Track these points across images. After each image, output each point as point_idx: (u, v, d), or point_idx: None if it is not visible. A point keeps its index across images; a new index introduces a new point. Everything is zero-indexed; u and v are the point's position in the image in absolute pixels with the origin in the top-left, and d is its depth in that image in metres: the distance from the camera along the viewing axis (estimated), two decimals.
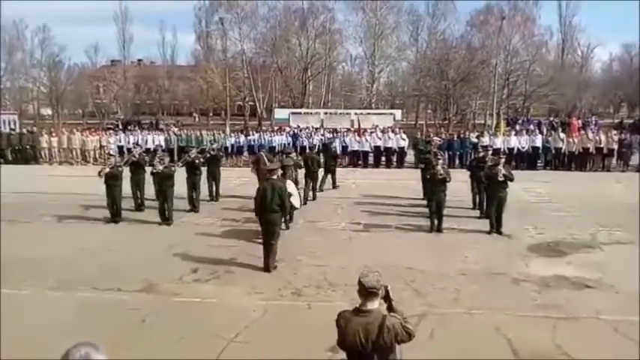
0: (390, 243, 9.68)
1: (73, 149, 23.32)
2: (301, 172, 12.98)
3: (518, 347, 5.49)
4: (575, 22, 48.41)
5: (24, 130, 25.91)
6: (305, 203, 13.15)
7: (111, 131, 26.04)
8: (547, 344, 5.57)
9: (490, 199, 10.53)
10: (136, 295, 7.09)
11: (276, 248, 8.26)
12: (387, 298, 3.37)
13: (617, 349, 5.49)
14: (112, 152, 15.43)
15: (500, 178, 10.02)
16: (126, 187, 11.98)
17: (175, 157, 18.60)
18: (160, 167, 11.10)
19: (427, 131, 24.31)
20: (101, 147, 23.07)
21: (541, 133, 22.64)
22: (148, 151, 17.49)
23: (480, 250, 9.15)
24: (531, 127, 25.71)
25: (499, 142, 20.33)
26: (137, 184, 12.44)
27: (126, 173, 12.03)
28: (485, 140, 19.82)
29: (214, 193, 13.84)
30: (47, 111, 51.31)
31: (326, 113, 29.14)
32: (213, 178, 13.84)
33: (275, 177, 8.50)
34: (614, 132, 21.71)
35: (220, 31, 41.77)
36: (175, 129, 26.27)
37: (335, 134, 22.26)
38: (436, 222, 10.44)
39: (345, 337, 3.32)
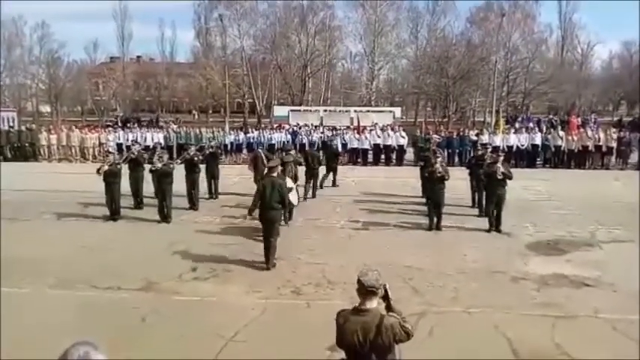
0: (389, 241, 9.68)
1: (72, 146, 23.27)
2: (301, 169, 12.99)
3: (517, 346, 5.50)
4: (575, 20, 48.58)
5: (23, 128, 25.80)
6: (305, 200, 13.22)
7: (110, 128, 25.96)
8: (546, 343, 5.58)
9: (489, 197, 10.52)
10: (136, 294, 7.09)
11: (276, 246, 8.27)
12: (385, 297, 3.36)
13: (616, 347, 5.50)
14: (110, 150, 15.35)
15: (499, 176, 10.02)
16: (125, 184, 11.97)
17: (174, 155, 18.58)
18: (159, 165, 11.08)
19: (427, 129, 24.22)
20: (100, 144, 23.03)
21: (540, 130, 22.58)
22: (147, 148, 17.45)
23: (479, 249, 9.16)
24: (531, 124, 25.62)
25: (498, 140, 20.29)
26: (136, 182, 12.42)
27: (125, 171, 12.01)
28: (485, 138, 19.78)
29: (213, 191, 13.83)
30: (46, 108, 51.21)
31: (325, 111, 29.08)
32: (212, 175, 13.83)
33: (275, 174, 8.50)
34: (614, 130, 21.71)
35: (220, 27, 41.71)
36: (174, 126, 26.18)
37: (334, 132, 22.23)
38: (435, 220, 10.45)
39: (344, 336, 3.32)
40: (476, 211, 11.83)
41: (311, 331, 5.64)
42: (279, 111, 29.69)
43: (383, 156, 21.93)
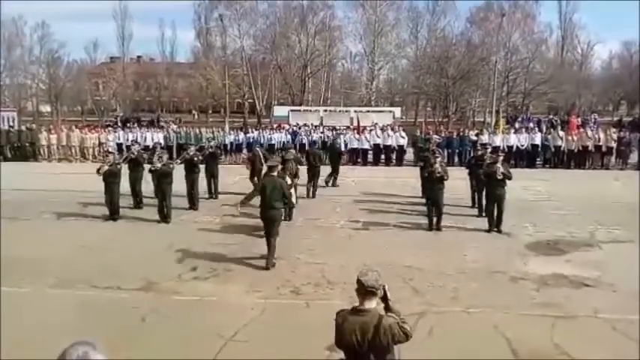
0: (388, 241, 9.68)
1: (72, 146, 23.26)
2: (302, 168, 13.06)
3: (517, 346, 5.50)
4: (575, 20, 48.58)
5: (23, 127, 25.80)
6: (312, 197, 13.64)
7: (110, 128, 25.96)
8: (545, 343, 5.58)
9: (489, 197, 10.53)
10: (136, 294, 7.10)
11: (275, 245, 8.27)
12: (384, 298, 3.36)
13: (615, 347, 5.50)
14: (110, 150, 15.34)
15: (499, 177, 10.02)
16: (125, 184, 11.97)
17: (174, 155, 18.58)
18: (159, 165, 11.09)
19: (426, 129, 24.23)
20: (100, 144, 23.02)
21: (540, 131, 22.63)
22: (146, 148, 17.45)
23: (478, 249, 9.16)
24: (531, 124, 25.67)
25: (498, 140, 20.31)
26: (135, 182, 12.42)
27: (124, 171, 12.01)
28: (485, 138, 19.78)
29: (213, 191, 13.84)
30: (46, 108, 51.21)
31: (325, 111, 29.07)
32: (212, 175, 13.84)
33: (275, 173, 8.50)
34: (613, 130, 21.70)
35: (220, 28, 41.75)
36: (174, 126, 26.20)
37: (334, 131, 22.22)
38: (435, 220, 10.46)
39: (342, 336, 3.32)
40: (475, 211, 11.83)
41: (310, 331, 5.64)
42: (279, 111, 29.67)
43: (383, 156, 21.93)
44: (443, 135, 21.71)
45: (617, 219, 11.00)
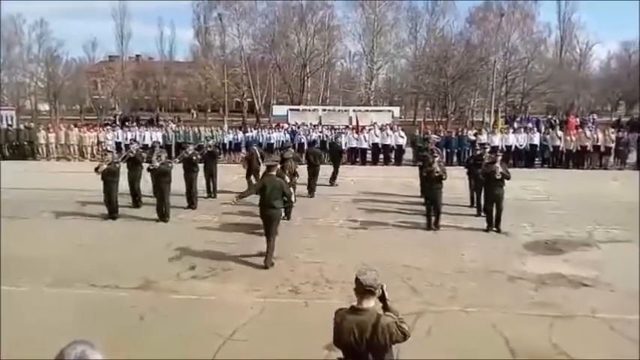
0: (387, 240, 9.69)
1: (71, 145, 23.24)
2: (303, 167, 13.15)
3: (515, 345, 5.51)
4: (574, 20, 48.61)
5: (21, 126, 25.77)
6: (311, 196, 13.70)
7: (108, 127, 25.94)
8: (543, 342, 5.59)
9: (487, 197, 10.55)
10: (134, 293, 7.10)
11: (274, 245, 8.27)
12: (382, 297, 3.36)
13: (613, 347, 5.51)
14: (109, 148, 15.35)
15: (498, 176, 10.04)
16: (123, 183, 11.96)
17: (173, 154, 18.56)
18: (157, 164, 11.08)
19: (425, 128, 24.24)
20: (99, 143, 22.98)
21: (539, 130, 22.65)
22: (145, 147, 17.44)
23: (477, 248, 9.17)
24: (529, 124, 25.71)
25: (497, 140, 20.32)
26: (134, 181, 12.41)
27: (123, 170, 12.00)
28: (483, 138, 19.79)
29: (212, 190, 13.83)
30: (45, 106, 51.08)
31: (324, 110, 29.03)
32: (211, 174, 13.83)
33: (274, 173, 8.51)
34: (612, 130, 21.75)
35: (219, 27, 41.71)
36: (173, 125, 26.18)
37: (335, 130, 22.22)
38: (433, 219, 10.47)
39: (340, 335, 3.32)
40: (474, 210, 11.85)
41: (309, 330, 5.64)
42: (278, 110, 29.65)
43: (381, 155, 21.93)
44: (442, 134, 21.72)
45: (615, 219, 11.02)
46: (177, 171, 12.07)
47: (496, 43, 38.79)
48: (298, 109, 29.69)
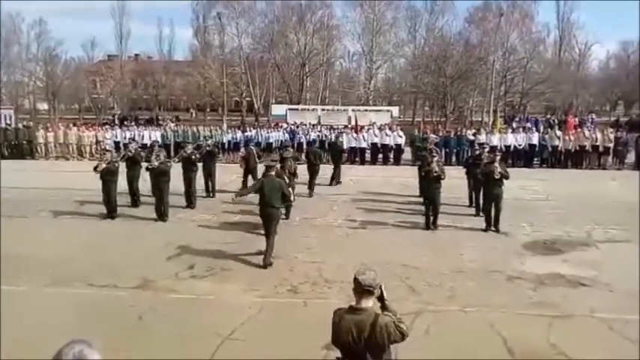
0: (386, 240, 9.69)
1: (69, 144, 23.21)
2: (302, 167, 13.14)
3: (513, 345, 5.51)
4: (573, 19, 48.63)
5: (20, 125, 25.75)
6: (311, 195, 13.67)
7: (107, 126, 25.92)
8: (542, 342, 5.59)
9: (486, 197, 10.55)
10: (133, 292, 7.09)
11: (273, 244, 8.27)
12: (380, 297, 3.36)
13: (612, 347, 5.52)
14: (108, 148, 15.34)
15: (497, 176, 10.04)
16: (122, 182, 11.94)
17: (172, 153, 18.55)
18: (156, 163, 11.07)
19: (424, 128, 24.23)
20: (97, 142, 22.97)
21: (538, 130, 22.68)
22: (144, 146, 17.42)
23: (475, 248, 9.17)
24: (528, 124, 25.72)
25: (496, 140, 20.30)
26: (133, 180, 12.40)
27: (122, 169, 11.98)
28: (482, 138, 19.79)
29: (210, 189, 13.83)
30: (43, 106, 51.03)
31: (323, 110, 29.03)
32: (209, 173, 13.82)
33: (273, 172, 8.51)
34: (611, 130, 21.80)
35: (218, 26, 41.72)
36: (172, 124, 26.16)
37: (336, 130, 22.19)
38: (432, 219, 10.47)
39: (339, 335, 3.32)
40: (473, 210, 11.85)
41: (308, 329, 5.64)
42: (277, 110, 29.65)
43: (380, 155, 21.93)
44: (440, 134, 21.74)
45: (614, 219, 11.03)
46: (176, 170, 12.06)
47: (495, 43, 38.81)
48: (297, 109, 29.69)
